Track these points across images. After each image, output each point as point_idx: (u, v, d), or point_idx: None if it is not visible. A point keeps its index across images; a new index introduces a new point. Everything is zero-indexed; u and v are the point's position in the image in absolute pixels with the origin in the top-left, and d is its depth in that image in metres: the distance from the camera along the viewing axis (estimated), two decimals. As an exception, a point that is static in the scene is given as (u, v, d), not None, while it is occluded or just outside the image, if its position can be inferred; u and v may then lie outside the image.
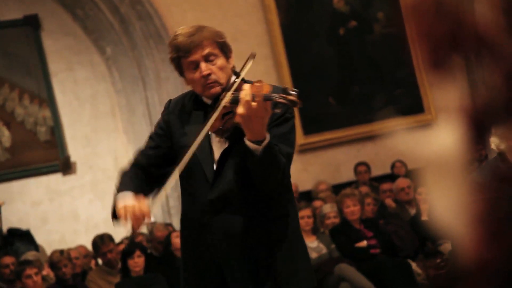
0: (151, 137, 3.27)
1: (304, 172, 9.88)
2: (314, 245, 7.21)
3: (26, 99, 10.25)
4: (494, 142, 3.57)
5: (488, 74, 1.28)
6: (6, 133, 10.17)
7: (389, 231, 7.53)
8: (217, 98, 3.06)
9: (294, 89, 2.83)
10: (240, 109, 2.82)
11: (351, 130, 10.21)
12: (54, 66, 10.37)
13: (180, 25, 11.42)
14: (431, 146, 1.34)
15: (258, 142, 2.86)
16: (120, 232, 9.42)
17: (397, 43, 10.11)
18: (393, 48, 10.36)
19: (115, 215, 3.06)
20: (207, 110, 3.07)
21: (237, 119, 2.86)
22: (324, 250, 7.20)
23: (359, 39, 10.46)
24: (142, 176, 3.16)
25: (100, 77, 10.53)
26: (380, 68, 10.48)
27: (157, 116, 9.82)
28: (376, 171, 9.99)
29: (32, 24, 10.29)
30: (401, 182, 8.66)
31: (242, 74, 3.06)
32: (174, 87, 9.77)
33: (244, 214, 3.03)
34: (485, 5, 1.26)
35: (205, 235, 3.08)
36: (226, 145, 3.05)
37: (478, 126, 1.31)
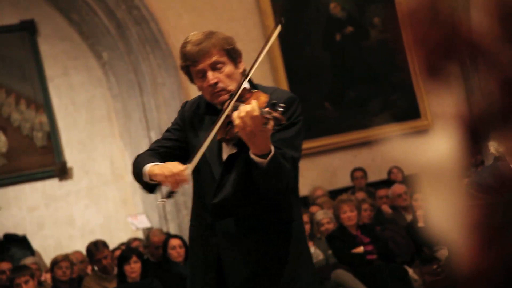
0: (167, 130, 3.28)
1: (300, 178, 9.78)
2: (311, 251, 7.21)
3: (23, 104, 10.23)
4: (493, 146, 3.58)
5: (483, 81, 1.28)
6: (3, 138, 10.16)
7: (386, 237, 7.52)
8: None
9: (282, 104, 2.81)
10: (240, 127, 2.81)
11: (348, 135, 10.22)
12: (51, 71, 10.36)
13: (176, 29, 11.36)
14: (428, 152, 1.34)
15: (263, 156, 2.86)
16: (116, 238, 9.41)
17: (393, 49, 10.13)
18: (389, 54, 10.38)
19: (147, 186, 3.05)
20: (218, 116, 3.07)
21: (240, 135, 2.86)
22: (321, 256, 7.19)
23: (355, 45, 10.48)
24: (160, 161, 3.12)
25: (96, 82, 10.53)
26: (376, 74, 10.50)
27: (153, 121, 9.83)
28: (372, 177, 9.99)
29: (28, 29, 10.28)
30: (398, 188, 8.65)
31: (246, 79, 3.06)
32: (171, 92, 9.77)
33: (248, 218, 3.04)
34: (481, 13, 1.26)
35: (210, 236, 3.09)
36: (234, 150, 3.05)
37: (474, 133, 1.31)
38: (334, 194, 9.04)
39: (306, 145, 10.03)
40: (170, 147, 3.19)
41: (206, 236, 3.11)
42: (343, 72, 10.37)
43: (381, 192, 8.98)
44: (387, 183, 9.52)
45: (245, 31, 9.97)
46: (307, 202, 9.38)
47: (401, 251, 7.51)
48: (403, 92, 10.52)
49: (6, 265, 7.36)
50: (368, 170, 9.92)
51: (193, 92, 11.49)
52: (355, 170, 9.90)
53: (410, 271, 7.23)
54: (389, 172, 9.85)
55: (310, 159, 10.09)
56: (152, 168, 3.01)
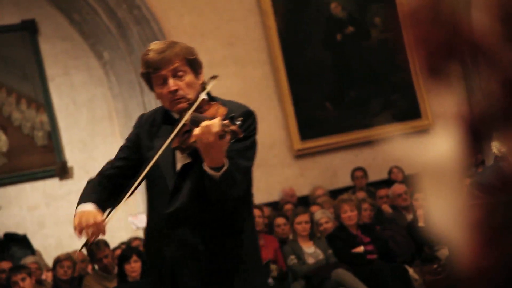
0: (121, 149, 3.32)
1: (301, 177, 9.88)
2: (311, 251, 7.21)
3: (23, 104, 10.24)
4: (496, 146, 3.59)
5: (484, 81, 1.28)
6: (3, 137, 10.16)
7: (386, 237, 7.53)
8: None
9: (239, 118, 2.86)
10: (199, 138, 2.86)
11: (348, 135, 10.22)
12: (51, 70, 10.36)
13: (176, 29, 11.35)
14: (428, 152, 1.34)
15: (216, 169, 2.91)
16: (117, 237, 9.41)
17: (393, 49, 10.13)
18: (390, 54, 10.38)
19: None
20: (175, 125, 3.10)
21: (197, 145, 2.90)
22: (321, 256, 7.20)
23: (356, 45, 10.48)
24: (108, 186, 3.20)
25: (97, 82, 10.53)
26: (377, 73, 10.50)
27: (154, 121, 9.84)
28: (373, 177, 9.99)
29: (29, 28, 10.29)
30: (398, 188, 8.65)
31: (205, 92, 3.11)
32: (171, 92, 9.78)
33: (200, 229, 3.07)
34: (482, 13, 1.26)
35: (163, 247, 3.12)
36: (188, 160, 3.08)
37: (475, 133, 1.31)
38: (334, 193, 9.04)
39: (307, 144, 10.10)
40: (119, 167, 3.25)
41: (161, 247, 3.14)
42: (344, 72, 10.37)
43: (382, 191, 8.98)
44: (388, 182, 9.52)
45: (246, 31, 9.97)
46: (307, 201, 9.39)
47: (401, 251, 7.51)
48: (403, 92, 10.52)
49: (6, 264, 7.36)
50: (368, 170, 9.92)
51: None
52: (356, 169, 9.90)
53: (411, 270, 7.23)
54: (390, 172, 9.85)
55: (310, 159, 10.10)
56: (76, 214, 3.08)
